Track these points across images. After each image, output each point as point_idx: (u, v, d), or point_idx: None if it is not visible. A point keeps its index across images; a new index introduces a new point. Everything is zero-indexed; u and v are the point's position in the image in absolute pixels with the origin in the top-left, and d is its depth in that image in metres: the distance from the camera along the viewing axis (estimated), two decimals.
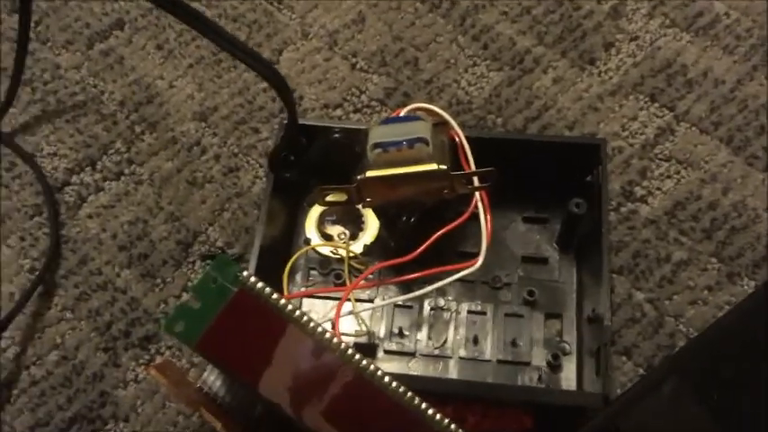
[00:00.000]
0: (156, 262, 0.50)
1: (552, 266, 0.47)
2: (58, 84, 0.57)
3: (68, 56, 0.58)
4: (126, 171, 0.53)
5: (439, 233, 0.42)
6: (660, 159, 0.51)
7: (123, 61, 0.57)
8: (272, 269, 0.44)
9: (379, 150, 0.41)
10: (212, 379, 0.39)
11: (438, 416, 0.35)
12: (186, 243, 0.50)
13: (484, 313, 0.45)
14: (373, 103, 0.55)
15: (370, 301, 0.46)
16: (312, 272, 0.48)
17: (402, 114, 0.44)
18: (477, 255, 0.41)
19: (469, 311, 0.46)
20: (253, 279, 0.36)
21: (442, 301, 0.46)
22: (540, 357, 0.44)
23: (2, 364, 0.47)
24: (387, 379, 0.35)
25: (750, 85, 0.53)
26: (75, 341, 0.48)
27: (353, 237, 0.48)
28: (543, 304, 0.45)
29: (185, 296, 0.48)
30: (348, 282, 0.45)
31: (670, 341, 0.46)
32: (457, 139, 0.44)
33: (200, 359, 0.46)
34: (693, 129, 0.52)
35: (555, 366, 0.44)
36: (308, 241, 0.47)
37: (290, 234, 0.48)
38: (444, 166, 0.40)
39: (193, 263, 0.50)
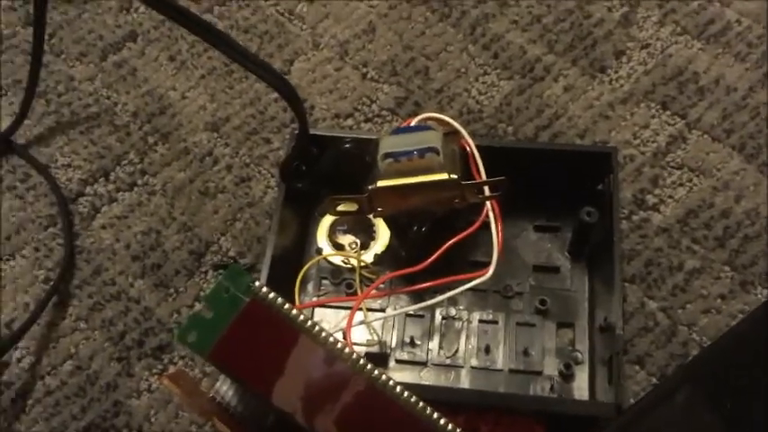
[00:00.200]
0: (169, 272, 0.50)
1: (564, 275, 0.47)
2: (72, 95, 0.57)
3: (82, 68, 0.58)
4: (139, 182, 0.53)
5: (450, 242, 0.42)
6: (672, 167, 0.51)
7: (136, 73, 0.58)
8: (283, 279, 0.44)
9: (390, 160, 0.41)
10: (225, 389, 0.39)
11: (450, 426, 0.35)
12: (199, 253, 0.51)
13: (495, 322, 0.45)
14: (384, 112, 0.55)
15: (382, 310, 0.46)
16: (324, 281, 0.48)
17: (413, 124, 0.45)
18: (488, 264, 0.41)
19: (481, 321, 0.45)
20: (265, 289, 0.36)
21: (453, 311, 0.46)
22: (552, 367, 0.44)
23: (17, 374, 0.48)
24: (399, 389, 0.35)
25: (762, 93, 0.53)
26: (89, 351, 0.48)
27: (365, 246, 0.48)
28: (555, 313, 0.45)
29: (198, 306, 0.49)
30: (359, 291, 0.45)
31: (683, 350, 0.46)
32: (468, 149, 0.44)
33: (212, 369, 0.46)
34: (705, 136, 0.52)
35: (567, 376, 0.43)
36: (319, 251, 0.48)
37: (302, 244, 0.49)
38: (455, 176, 0.41)
39: (206, 273, 0.50)
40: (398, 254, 0.46)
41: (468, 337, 0.45)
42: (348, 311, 0.43)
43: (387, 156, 0.41)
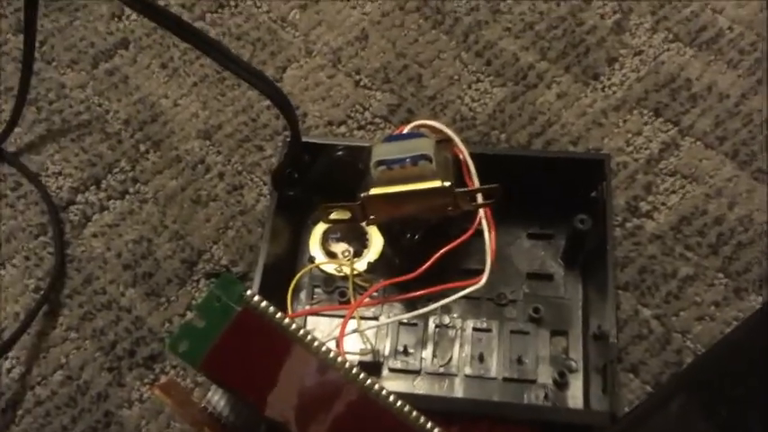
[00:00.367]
0: (161, 281, 0.50)
1: (557, 283, 0.46)
2: (63, 103, 0.57)
3: (73, 75, 0.58)
4: (130, 190, 0.53)
5: (443, 250, 0.42)
6: (665, 174, 0.51)
7: (128, 80, 0.58)
8: (276, 287, 0.44)
9: (382, 168, 0.41)
10: (217, 399, 0.39)
11: None
12: (191, 261, 0.50)
13: (489, 330, 0.45)
14: (377, 119, 0.55)
15: (375, 318, 0.46)
16: (316, 290, 0.48)
17: (405, 131, 0.44)
18: (481, 272, 0.41)
19: (475, 329, 0.45)
20: (257, 298, 0.36)
21: (446, 319, 0.46)
22: (546, 375, 0.44)
23: (6, 384, 0.47)
24: (392, 398, 0.35)
25: (755, 99, 0.53)
26: (79, 361, 0.48)
27: (358, 254, 0.47)
28: (549, 321, 0.45)
29: (189, 315, 0.48)
30: (352, 300, 0.45)
31: (677, 358, 0.45)
32: (461, 156, 0.43)
33: (204, 378, 0.46)
34: (698, 143, 0.52)
35: (561, 384, 0.43)
36: (312, 259, 0.47)
37: (295, 252, 0.48)
38: (448, 183, 0.40)
39: (198, 281, 0.50)
40: (392, 262, 0.46)
41: (461, 346, 0.45)
42: (341, 320, 0.43)
43: (379, 163, 0.41)
